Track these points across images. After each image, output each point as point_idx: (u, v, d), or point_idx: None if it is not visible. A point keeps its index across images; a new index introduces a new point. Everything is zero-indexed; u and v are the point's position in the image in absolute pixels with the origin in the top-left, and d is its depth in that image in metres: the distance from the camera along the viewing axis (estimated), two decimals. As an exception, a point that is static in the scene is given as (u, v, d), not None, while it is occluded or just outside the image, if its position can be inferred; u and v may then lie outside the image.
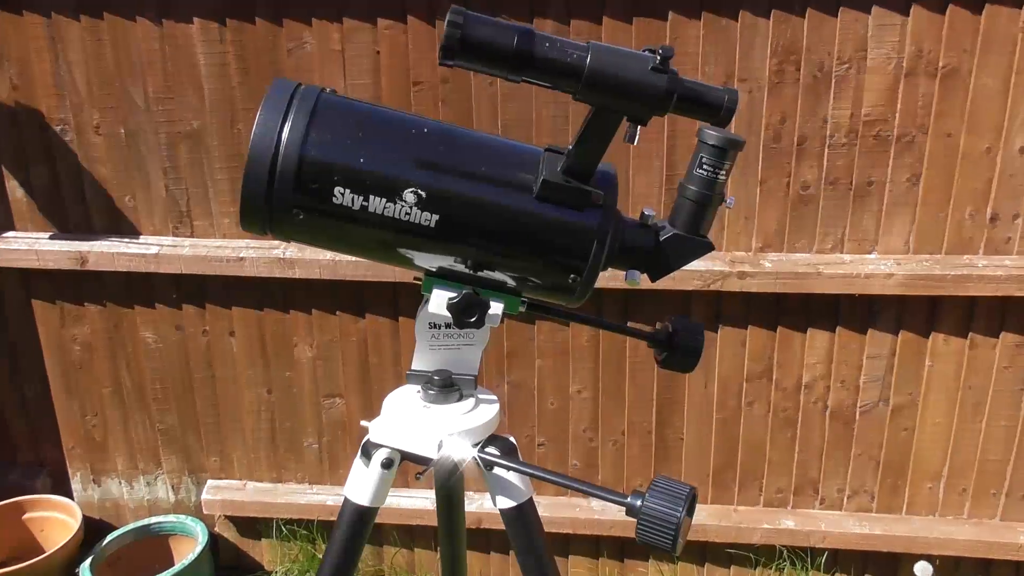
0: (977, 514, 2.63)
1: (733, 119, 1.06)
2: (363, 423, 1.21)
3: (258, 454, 2.81)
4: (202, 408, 2.78)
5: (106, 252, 2.54)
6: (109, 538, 2.77)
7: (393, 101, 2.39)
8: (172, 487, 2.90)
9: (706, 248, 1.13)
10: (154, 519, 2.87)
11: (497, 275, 1.13)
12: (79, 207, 2.58)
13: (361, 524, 1.23)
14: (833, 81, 2.28)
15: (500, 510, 1.22)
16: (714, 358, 2.57)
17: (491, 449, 1.18)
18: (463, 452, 1.14)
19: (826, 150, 2.34)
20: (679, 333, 1.24)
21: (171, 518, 2.86)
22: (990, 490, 2.60)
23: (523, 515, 1.21)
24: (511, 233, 1.09)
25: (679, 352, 1.24)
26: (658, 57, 0.99)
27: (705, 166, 1.09)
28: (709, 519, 2.69)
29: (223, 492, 2.82)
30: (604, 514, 2.73)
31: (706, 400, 2.62)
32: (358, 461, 1.22)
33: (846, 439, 2.61)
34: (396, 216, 1.05)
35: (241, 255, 2.51)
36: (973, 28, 2.19)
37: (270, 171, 1.02)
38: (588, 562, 2.84)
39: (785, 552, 2.69)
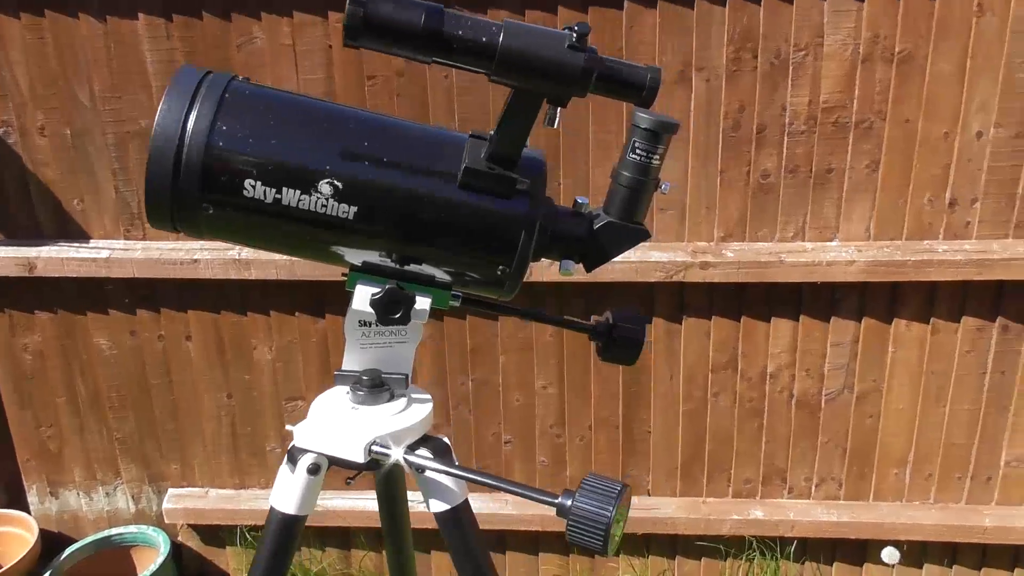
0: (943, 498, 2.64)
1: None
2: (288, 427, 1.17)
3: (219, 460, 2.75)
4: (160, 415, 2.71)
5: (55, 257, 2.47)
6: (68, 551, 2.71)
7: (347, 96, 2.34)
8: (132, 497, 2.83)
9: (642, 236, 1.10)
10: (114, 530, 2.81)
11: (425, 268, 1.09)
12: (26, 212, 2.50)
13: (288, 534, 1.16)
14: (791, 68, 2.27)
15: (434, 514, 1.17)
16: (679, 350, 2.55)
17: (422, 451, 1.13)
18: (392, 454, 1.09)
19: (785, 138, 2.32)
20: (619, 325, 1.21)
21: (132, 528, 2.80)
22: (955, 474, 2.61)
23: (458, 518, 1.17)
24: (434, 224, 1.05)
25: (619, 344, 1.20)
26: (575, 34, 0.95)
27: (638, 151, 1.05)
28: (678, 512, 2.68)
29: (185, 500, 2.76)
30: (573, 510, 2.70)
31: (672, 392, 2.60)
32: (284, 467, 1.17)
33: (812, 427, 2.60)
34: (312, 209, 1.00)
35: (195, 257, 2.45)
36: (928, 13, 2.19)
37: (175, 163, 0.97)
38: (559, 559, 2.82)
39: (754, 543, 2.68)
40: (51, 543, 2.80)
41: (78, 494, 2.84)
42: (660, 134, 1.04)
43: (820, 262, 2.37)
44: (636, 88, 0.99)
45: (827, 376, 2.54)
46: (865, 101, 2.27)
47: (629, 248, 1.10)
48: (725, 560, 2.74)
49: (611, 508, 0.94)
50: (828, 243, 2.41)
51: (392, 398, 1.17)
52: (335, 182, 1.00)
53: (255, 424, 2.70)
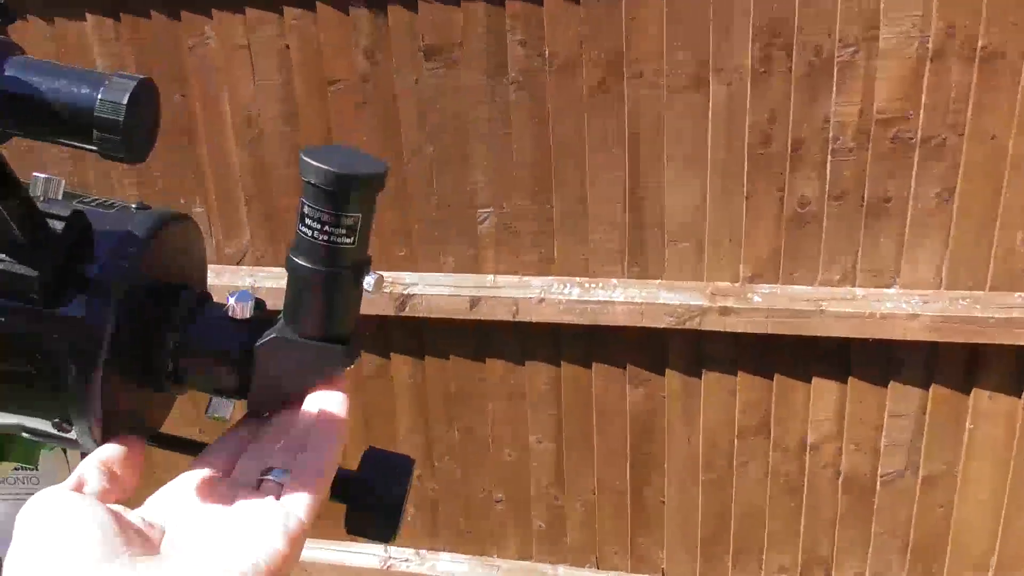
0: (1039, 613, 2.08)
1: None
2: None
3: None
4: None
5: None
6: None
7: (308, 103, 2.04)
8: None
9: (338, 358, 0.63)
10: None
11: None
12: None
13: None
14: (836, 69, 1.78)
15: None
16: (698, 409, 2.11)
17: None
18: None
19: (829, 157, 1.84)
20: (367, 477, 0.72)
21: None
22: (1055, 586, 2.05)
23: None
24: None
25: (365, 507, 0.71)
26: None
27: (308, 223, 0.57)
28: (698, 597, 2.25)
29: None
30: (573, 584, 2.33)
31: (690, 457, 2.17)
32: None
33: (864, 513, 2.10)
34: None
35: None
36: (1026, -6, 1.65)
37: None
38: (559, 635, 2.44)
39: (788, 644, 2.22)
40: None
41: None
42: (338, 193, 0.57)
43: (873, 314, 1.88)
44: (75, 122, 0.53)
45: (884, 452, 2.04)
46: (935, 111, 1.75)
47: (325, 375, 0.65)
48: (753, 659, 2.28)
49: None
50: (885, 290, 1.91)
51: None
52: None
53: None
